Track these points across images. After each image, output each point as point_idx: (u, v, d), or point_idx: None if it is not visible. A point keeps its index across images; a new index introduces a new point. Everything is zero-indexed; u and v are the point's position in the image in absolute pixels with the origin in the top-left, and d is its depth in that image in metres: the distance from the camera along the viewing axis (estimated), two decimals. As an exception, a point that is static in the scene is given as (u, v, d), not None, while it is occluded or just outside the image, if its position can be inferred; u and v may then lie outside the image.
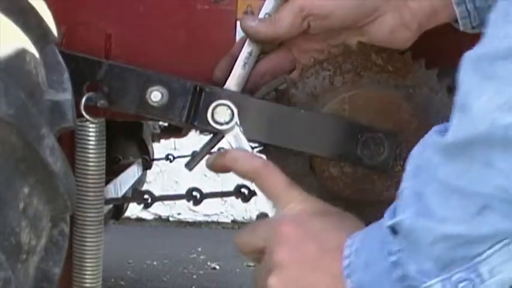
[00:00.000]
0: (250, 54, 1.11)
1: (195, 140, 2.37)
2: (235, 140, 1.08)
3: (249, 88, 1.13)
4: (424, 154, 0.78)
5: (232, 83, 1.12)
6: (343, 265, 0.84)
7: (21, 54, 0.94)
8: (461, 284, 0.76)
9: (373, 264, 0.81)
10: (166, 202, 4.64)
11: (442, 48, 1.13)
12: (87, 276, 1.15)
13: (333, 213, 0.94)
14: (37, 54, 0.97)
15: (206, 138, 1.16)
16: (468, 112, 0.71)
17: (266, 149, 1.15)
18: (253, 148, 1.76)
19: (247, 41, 1.11)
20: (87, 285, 1.14)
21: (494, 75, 0.69)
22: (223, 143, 1.13)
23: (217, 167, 1.01)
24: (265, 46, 1.12)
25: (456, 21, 1.06)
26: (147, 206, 1.24)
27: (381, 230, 0.81)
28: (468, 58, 0.73)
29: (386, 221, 0.80)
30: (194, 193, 1.24)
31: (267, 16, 1.10)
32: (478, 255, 0.74)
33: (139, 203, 1.26)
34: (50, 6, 1.00)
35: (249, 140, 1.11)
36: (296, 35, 1.09)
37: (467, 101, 0.71)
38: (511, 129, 0.68)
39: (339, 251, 0.85)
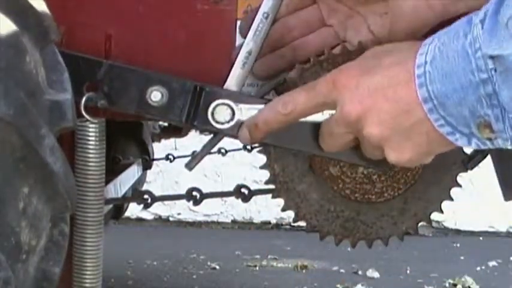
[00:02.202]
0: (249, 53, 1.11)
1: (195, 140, 2.37)
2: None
3: (273, 42, 1.12)
4: None
5: (232, 82, 1.12)
6: (416, 73, 0.84)
7: (21, 54, 0.94)
8: None
9: (457, 76, 0.80)
10: (166, 202, 4.64)
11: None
12: (87, 277, 1.14)
13: (391, 45, 0.93)
14: (37, 54, 0.97)
15: (207, 138, 1.16)
16: None
17: (266, 149, 1.15)
18: (252, 148, 1.76)
19: (248, 38, 1.10)
20: (87, 285, 1.14)
21: None
22: (223, 143, 1.13)
23: (257, 138, 1.03)
24: (297, 2, 1.12)
25: None
26: (146, 206, 1.24)
27: (467, 48, 0.79)
28: None
29: (484, 46, 0.78)
30: (194, 193, 1.24)
31: (265, 15, 1.10)
32: None
33: (139, 203, 1.26)
34: (50, 7, 1.00)
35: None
36: None
37: None
38: None
39: (409, 75, 0.85)
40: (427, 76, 0.83)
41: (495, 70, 0.77)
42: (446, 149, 0.89)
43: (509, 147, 0.84)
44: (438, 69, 0.82)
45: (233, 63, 1.10)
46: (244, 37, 1.10)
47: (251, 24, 1.09)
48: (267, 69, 1.14)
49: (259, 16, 1.09)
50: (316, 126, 1.10)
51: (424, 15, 1.06)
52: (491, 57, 0.77)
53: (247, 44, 1.10)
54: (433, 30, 1.07)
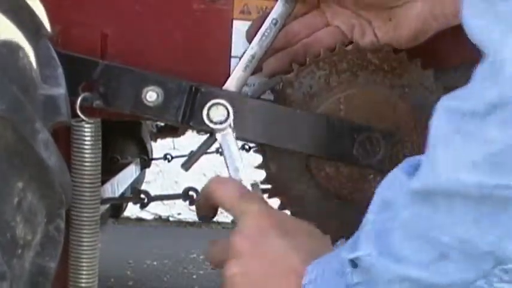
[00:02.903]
0: (253, 57, 1.11)
1: (194, 140, 2.36)
2: (223, 140, 1.08)
3: (280, 45, 1.13)
4: (390, 191, 0.78)
5: (232, 84, 1.12)
6: None
7: (15, 49, 0.94)
8: None
9: None
10: (166, 202, 4.63)
11: (437, 48, 1.13)
12: (83, 276, 1.15)
13: (296, 230, 0.91)
14: (30, 49, 0.97)
15: (205, 138, 1.16)
16: (435, 162, 0.71)
17: (262, 148, 1.15)
18: (250, 148, 1.76)
19: (254, 42, 1.11)
20: (83, 285, 1.14)
21: (467, 131, 0.69)
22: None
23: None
24: (300, 7, 1.12)
25: None
26: (143, 205, 1.24)
27: (341, 260, 0.80)
28: (444, 104, 0.72)
29: (347, 253, 0.79)
30: (190, 193, 1.24)
31: (274, 21, 1.10)
32: None
33: (135, 203, 1.26)
34: (45, 6, 1.00)
35: (245, 140, 1.11)
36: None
37: (436, 150, 0.71)
38: (474, 187, 0.68)
39: (292, 274, 0.84)
40: None
41: (359, 284, 0.78)
42: None
43: None
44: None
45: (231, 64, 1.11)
46: (250, 41, 1.11)
47: (258, 28, 1.10)
48: (277, 66, 1.14)
49: (267, 22, 1.10)
50: (313, 126, 1.10)
51: (427, 25, 1.07)
52: (354, 264, 0.78)
53: (252, 48, 1.11)
54: (435, 36, 1.08)
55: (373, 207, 0.80)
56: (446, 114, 0.71)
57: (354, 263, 0.78)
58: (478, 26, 0.68)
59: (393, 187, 0.78)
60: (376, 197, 0.80)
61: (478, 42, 0.69)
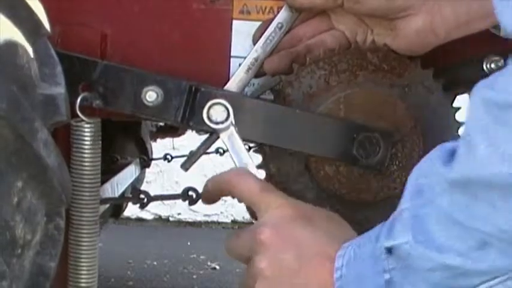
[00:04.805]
0: (256, 60, 1.12)
1: (194, 140, 2.36)
2: (229, 140, 1.08)
3: (284, 49, 1.13)
4: (426, 179, 0.78)
5: (233, 85, 1.12)
6: (334, 276, 0.83)
7: (13, 47, 0.94)
8: None
9: (366, 279, 0.81)
10: (166, 202, 4.63)
11: (437, 48, 1.12)
12: (83, 276, 1.14)
13: (317, 216, 0.92)
14: (29, 48, 0.97)
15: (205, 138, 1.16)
16: (475, 153, 0.72)
17: (261, 148, 1.15)
18: (250, 148, 1.76)
19: (258, 45, 1.11)
20: (83, 285, 1.14)
21: (506, 122, 0.70)
22: (220, 143, 1.13)
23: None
24: (303, 16, 1.13)
25: (495, 27, 1.06)
26: (142, 205, 1.24)
27: (375, 245, 0.81)
28: (480, 94, 0.73)
29: (383, 240, 0.80)
30: (190, 193, 1.24)
31: (279, 25, 1.11)
32: (475, 286, 0.75)
33: (135, 203, 1.26)
34: (44, 6, 1.00)
35: (245, 140, 1.11)
36: (331, 8, 1.11)
37: (475, 140, 0.72)
38: None
39: (324, 258, 0.85)
40: (343, 279, 0.83)
41: (394, 269, 0.79)
42: None
43: None
44: (352, 271, 0.83)
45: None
46: (255, 44, 1.11)
47: (264, 31, 1.11)
48: (278, 65, 1.14)
49: (273, 25, 1.11)
50: (312, 125, 1.10)
51: (427, 39, 1.07)
52: (390, 251, 0.79)
53: (256, 51, 1.11)
54: (440, 51, 1.08)
55: (407, 195, 0.80)
56: (482, 104, 0.72)
57: (389, 250, 0.79)
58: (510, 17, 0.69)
59: (429, 175, 0.78)
60: (410, 184, 0.80)
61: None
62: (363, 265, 0.82)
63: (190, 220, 4.80)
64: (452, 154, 0.75)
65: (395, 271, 0.79)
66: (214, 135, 1.11)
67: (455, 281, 0.76)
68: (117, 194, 1.88)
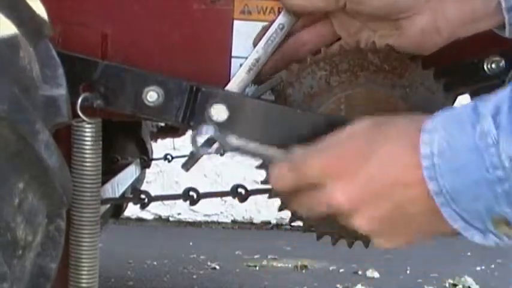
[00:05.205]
0: (257, 61, 1.12)
1: (194, 140, 2.36)
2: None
3: (288, 57, 1.13)
4: None
5: (234, 85, 1.12)
6: (423, 165, 0.78)
7: (15, 49, 0.94)
8: None
9: (469, 171, 0.76)
10: (166, 202, 4.64)
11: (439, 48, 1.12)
12: (83, 277, 1.14)
13: (390, 120, 0.85)
14: (31, 49, 0.97)
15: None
16: None
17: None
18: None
19: (259, 46, 1.11)
20: (84, 285, 1.14)
21: None
22: (220, 143, 1.13)
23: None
24: (305, 19, 1.13)
25: (499, 28, 1.06)
26: (143, 206, 1.24)
27: (477, 142, 0.75)
28: None
29: (506, 147, 0.74)
30: (191, 193, 1.24)
31: (281, 26, 1.11)
32: None
33: (135, 203, 1.26)
34: (45, 6, 1.00)
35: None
36: (333, 10, 1.10)
37: None
38: None
39: (408, 142, 0.79)
40: (437, 169, 0.78)
41: None
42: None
43: None
44: (448, 162, 0.77)
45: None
46: (256, 45, 1.11)
47: (265, 33, 1.11)
48: (270, 71, 1.14)
49: (274, 26, 1.11)
50: (313, 126, 1.10)
51: (431, 39, 1.07)
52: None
53: (257, 52, 1.11)
54: (439, 51, 1.08)
55: None
56: None
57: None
58: None
59: None
60: None
61: None
62: (464, 157, 0.76)
63: (190, 220, 4.80)
64: None
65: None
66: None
67: None
68: (117, 194, 1.88)
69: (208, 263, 3.88)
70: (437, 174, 0.78)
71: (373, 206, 0.82)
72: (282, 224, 4.80)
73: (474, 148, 0.76)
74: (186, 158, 1.15)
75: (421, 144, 0.79)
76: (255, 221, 4.85)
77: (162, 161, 2.79)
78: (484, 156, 0.75)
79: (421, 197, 0.79)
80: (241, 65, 1.14)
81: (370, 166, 0.82)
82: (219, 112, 1.09)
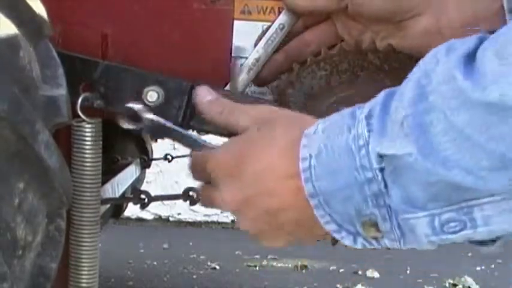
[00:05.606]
0: (257, 61, 1.12)
1: (194, 140, 2.36)
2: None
3: (291, 58, 1.13)
4: (438, 87, 0.73)
5: (234, 86, 1.12)
6: (301, 167, 0.79)
7: (15, 49, 0.94)
8: (451, 224, 0.74)
9: (342, 173, 0.77)
10: (166, 202, 4.63)
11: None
12: (83, 277, 1.14)
13: (279, 117, 0.87)
14: (31, 49, 0.97)
15: (204, 138, 1.15)
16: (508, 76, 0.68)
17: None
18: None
19: (259, 46, 1.11)
20: (84, 285, 1.14)
21: None
22: (220, 142, 1.13)
23: None
24: (306, 20, 1.13)
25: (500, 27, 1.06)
26: (143, 206, 1.24)
27: (350, 144, 0.76)
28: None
29: (374, 143, 0.75)
30: (191, 193, 1.24)
31: (281, 26, 1.11)
32: (476, 199, 0.72)
33: (135, 203, 1.26)
34: (46, 6, 1.00)
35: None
36: (334, 11, 1.10)
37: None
38: None
39: (289, 149, 0.81)
40: (312, 171, 0.79)
41: (381, 169, 0.75)
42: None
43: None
44: (324, 164, 0.78)
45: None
46: (256, 45, 1.11)
47: (265, 33, 1.11)
48: (274, 72, 1.15)
49: (274, 26, 1.11)
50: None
51: (433, 39, 1.07)
52: (381, 156, 0.75)
53: (257, 52, 1.11)
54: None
55: (412, 99, 0.75)
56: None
57: (380, 155, 0.74)
58: None
59: (442, 86, 0.73)
60: (415, 83, 0.75)
61: None
62: (338, 159, 0.77)
63: (190, 220, 4.80)
64: (470, 61, 0.71)
65: (381, 172, 0.75)
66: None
67: (458, 195, 0.72)
68: (117, 195, 1.88)
69: (208, 263, 3.88)
70: (313, 176, 0.79)
71: (251, 209, 0.84)
72: (282, 224, 4.79)
73: (348, 150, 0.77)
74: (187, 158, 1.15)
75: (301, 147, 0.80)
76: (255, 221, 4.84)
77: (162, 161, 2.79)
78: (355, 158, 0.76)
79: (296, 203, 0.81)
80: (241, 65, 1.14)
81: (251, 170, 0.83)
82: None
